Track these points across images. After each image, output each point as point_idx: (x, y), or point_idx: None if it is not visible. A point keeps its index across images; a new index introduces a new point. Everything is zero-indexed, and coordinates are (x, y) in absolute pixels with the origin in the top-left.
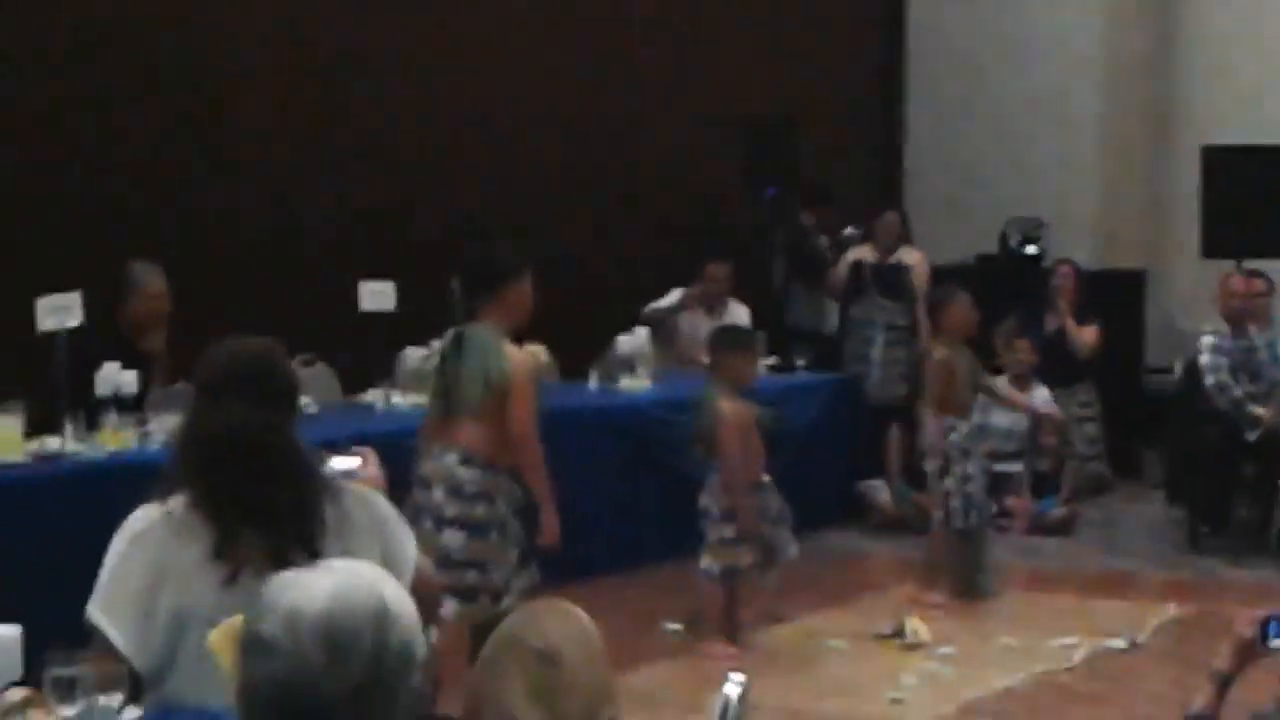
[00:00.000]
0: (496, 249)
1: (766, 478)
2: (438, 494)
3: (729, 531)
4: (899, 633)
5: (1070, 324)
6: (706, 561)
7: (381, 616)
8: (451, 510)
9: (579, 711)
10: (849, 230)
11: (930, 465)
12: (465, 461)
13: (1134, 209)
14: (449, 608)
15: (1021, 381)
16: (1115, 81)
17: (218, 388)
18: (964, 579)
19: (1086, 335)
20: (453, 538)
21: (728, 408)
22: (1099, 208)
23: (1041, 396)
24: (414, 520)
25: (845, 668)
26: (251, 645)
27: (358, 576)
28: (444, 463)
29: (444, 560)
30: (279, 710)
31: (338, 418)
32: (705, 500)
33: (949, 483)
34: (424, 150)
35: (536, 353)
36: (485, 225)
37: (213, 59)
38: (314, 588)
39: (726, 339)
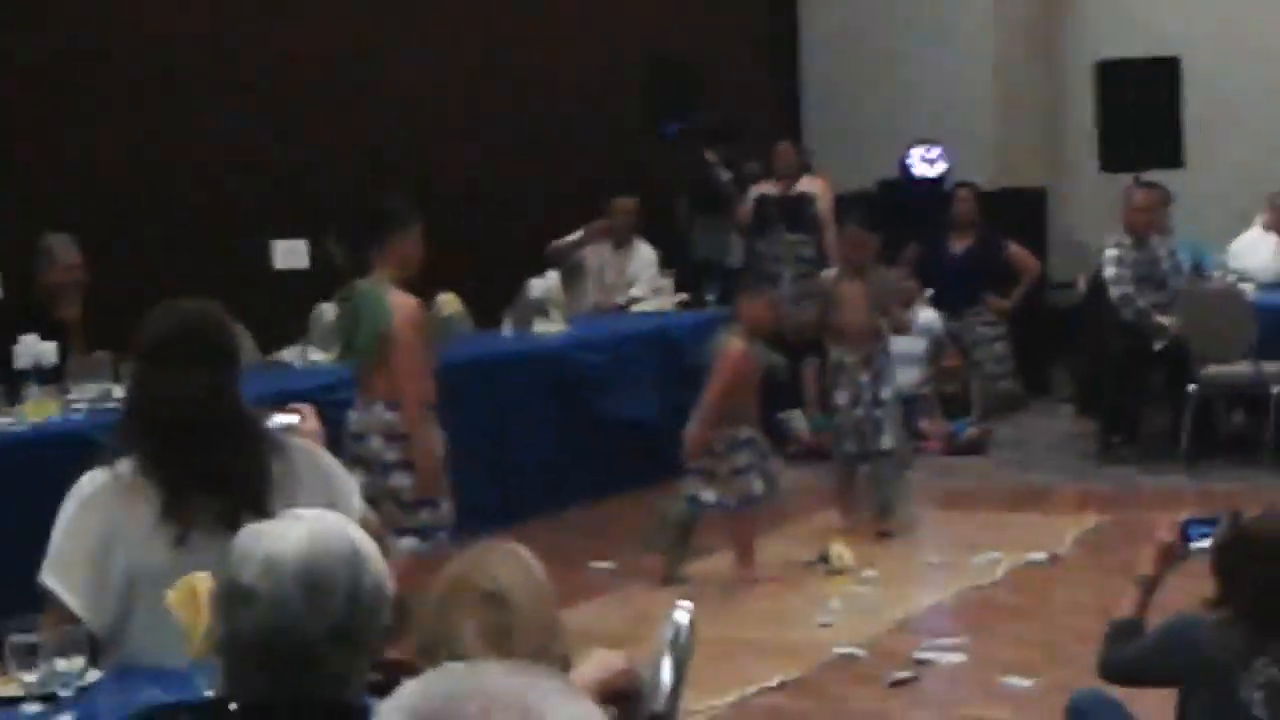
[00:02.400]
0: (384, 200)
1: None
2: (375, 442)
3: (740, 461)
4: (823, 558)
5: (1015, 248)
6: (715, 495)
7: (354, 558)
8: (392, 454)
9: (529, 650)
10: (750, 165)
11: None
12: (391, 406)
13: (1030, 127)
14: (408, 546)
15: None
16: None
17: (161, 351)
18: (871, 505)
19: (1028, 259)
20: (400, 480)
21: (731, 345)
22: (995, 128)
23: (926, 318)
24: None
25: (772, 596)
26: (231, 595)
27: (327, 522)
28: (373, 412)
29: (398, 504)
30: (262, 655)
31: (257, 377)
32: (722, 434)
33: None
34: (330, 104)
35: (448, 301)
36: (391, 176)
37: (133, 29)
38: (288, 535)
39: (744, 284)
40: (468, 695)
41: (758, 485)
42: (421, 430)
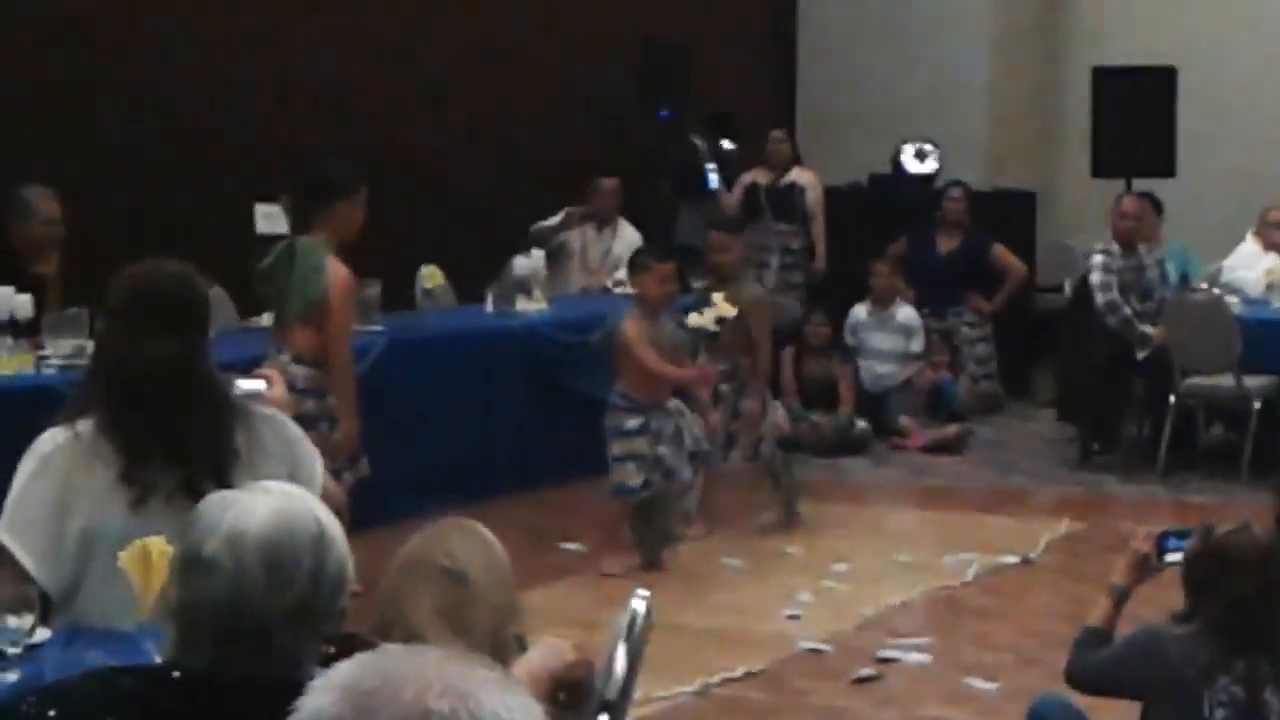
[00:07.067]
0: (331, 166)
1: (674, 401)
2: None
3: (617, 449)
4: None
5: (1001, 250)
6: (619, 480)
7: (320, 540)
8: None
9: (485, 629)
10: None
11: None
12: (296, 360)
13: (1024, 130)
14: None
15: (881, 304)
16: (1007, 2)
17: (130, 312)
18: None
19: (1014, 261)
20: None
21: (630, 327)
22: (990, 129)
23: (905, 315)
24: None
25: (742, 586)
26: (190, 564)
27: (296, 500)
28: (279, 361)
29: None
30: (215, 628)
31: (235, 341)
32: (611, 421)
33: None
34: (319, 74)
35: (431, 274)
36: (379, 149)
37: None
38: (255, 510)
39: (633, 260)
40: (404, 679)
41: (634, 479)
42: (350, 397)
